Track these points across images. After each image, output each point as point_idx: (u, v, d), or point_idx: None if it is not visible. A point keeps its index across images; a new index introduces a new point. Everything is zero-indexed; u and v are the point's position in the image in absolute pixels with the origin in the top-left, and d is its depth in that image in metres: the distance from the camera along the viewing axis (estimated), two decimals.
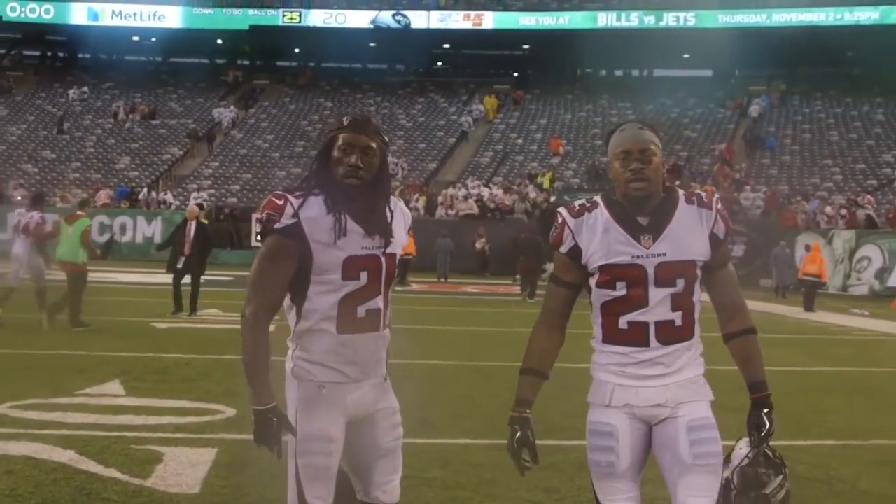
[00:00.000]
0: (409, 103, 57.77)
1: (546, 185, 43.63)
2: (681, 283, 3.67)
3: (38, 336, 14.31)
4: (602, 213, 3.74)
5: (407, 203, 41.85)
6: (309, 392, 3.69)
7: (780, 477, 4.04)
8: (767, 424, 3.76)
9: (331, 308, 3.66)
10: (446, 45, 61.05)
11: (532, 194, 42.04)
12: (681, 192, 3.79)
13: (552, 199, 39.99)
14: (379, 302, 3.75)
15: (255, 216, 42.25)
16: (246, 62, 64.08)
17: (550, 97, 56.18)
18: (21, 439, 7.44)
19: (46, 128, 54.14)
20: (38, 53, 65.52)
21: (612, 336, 3.73)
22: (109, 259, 41.46)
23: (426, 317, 20.10)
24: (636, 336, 3.69)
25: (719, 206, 3.76)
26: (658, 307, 3.66)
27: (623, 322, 3.69)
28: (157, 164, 50.16)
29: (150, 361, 12.00)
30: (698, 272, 3.72)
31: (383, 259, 3.75)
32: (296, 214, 3.63)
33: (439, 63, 63.85)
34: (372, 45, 59.61)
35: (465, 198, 42.03)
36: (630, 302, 3.67)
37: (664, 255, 3.66)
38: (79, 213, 16.80)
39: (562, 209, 3.86)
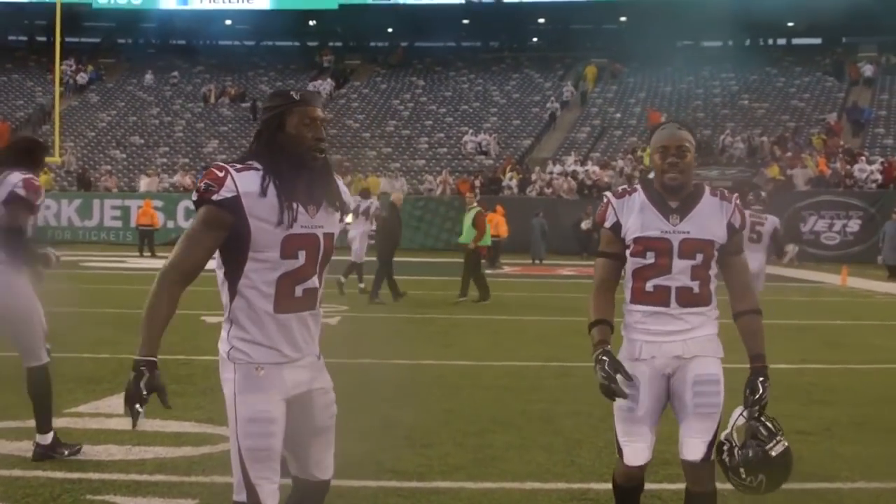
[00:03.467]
0: (503, 80, 55.75)
1: (647, 160, 41.38)
2: (700, 257, 4.35)
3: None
4: (640, 196, 4.44)
5: (499, 181, 40.16)
6: (247, 374, 3.63)
7: (778, 435, 4.30)
8: (761, 389, 4.33)
9: (268, 286, 3.62)
10: (541, 20, 59.01)
11: (627, 169, 39.73)
12: (707, 187, 4.50)
13: (651, 175, 37.76)
14: (315, 281, 3.73)
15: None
16: (338, 43, 62.63)
17: (649, 70, 53.63)
18: None
19: (136, 113, 53.49)
20: (129, 41, 64.83)
21: (640, 298, 4.40)
22: None
23: (511, 305, 18.28)
24: (660, 298, 4.35)
25: (737, 201, 4.47)
26: (679, 275, 4.33)
27: (649, 286, 4.36)
28: (245, 147, 48.91)
29: (177, 367, 10.21)
30: (715, 252, 4.39)
31: (321, 238, 3.73)
32: (236, 189, 3.56)
33: (534, 39, 61.71)
34: (465, 21, 57.91)
35: (562, 175, 40.03)
36: (656, 269, 4.35)
37: (688, 232, 4.36)
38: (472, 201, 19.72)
39: (607, 192, 4.67)
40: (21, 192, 6.40)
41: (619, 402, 4.30)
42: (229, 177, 3.54)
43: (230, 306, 3.64)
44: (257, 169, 3.60)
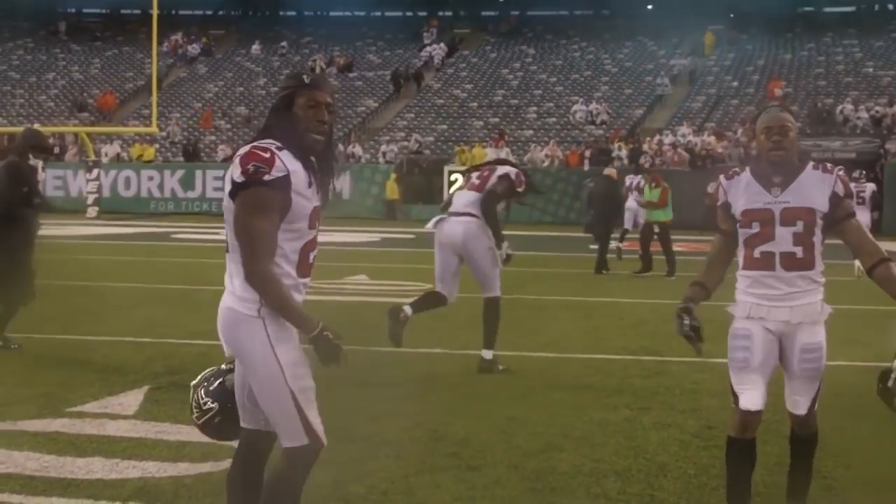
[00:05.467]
0: (615, 48, 53.95)
1: None
2: (800, 224, 4.74)
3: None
4: (746, 175, 4.93)
5: (609, 152, 38.50)
6: (280, 326, 3.77)
7: None
8: None
9: (294, 253, 3.84)
10: None
11: (743, 139, 37.63)
12: (811, 161, 4.91)
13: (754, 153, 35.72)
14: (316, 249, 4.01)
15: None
16: (448, 13, 61.37)
17: (768, 36, 51.28)
18: None
19: (243, 84, 53.09)
20: (239, 13, 64.50)
21: (749, 263, 4.84)
22: None
23: (610, 286, 16.92)
24: (766, 263, 4.78)
25: (840, 172, 4.85)
26: (782, 241, 4.75)
27: (757, 252, 4.80)
28: (351, 117, 48.28)
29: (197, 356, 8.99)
30: (818, 220, 4.76)
31: (320, 211, 3.96)
32: (286, 167, 3.73)
33: (648, 6, 59.66)
34: None
35: (673, 146, 38.28)
36: (761, 237, 4.79)
37: (788, 202, 4.77)
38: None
39: (721, 175, 5.13)
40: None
41: (733, 354, 4.81)
42: (276, 157, 3.72)
43: None
44: (280, 147, 3.78)
